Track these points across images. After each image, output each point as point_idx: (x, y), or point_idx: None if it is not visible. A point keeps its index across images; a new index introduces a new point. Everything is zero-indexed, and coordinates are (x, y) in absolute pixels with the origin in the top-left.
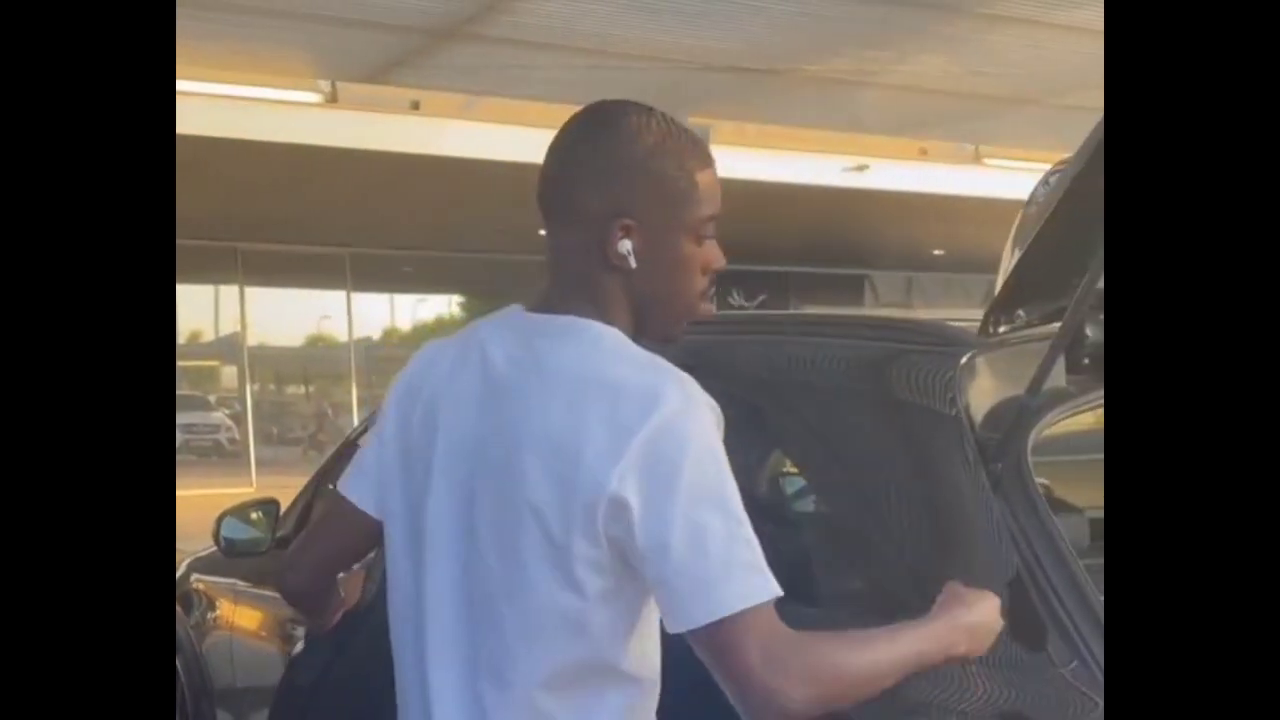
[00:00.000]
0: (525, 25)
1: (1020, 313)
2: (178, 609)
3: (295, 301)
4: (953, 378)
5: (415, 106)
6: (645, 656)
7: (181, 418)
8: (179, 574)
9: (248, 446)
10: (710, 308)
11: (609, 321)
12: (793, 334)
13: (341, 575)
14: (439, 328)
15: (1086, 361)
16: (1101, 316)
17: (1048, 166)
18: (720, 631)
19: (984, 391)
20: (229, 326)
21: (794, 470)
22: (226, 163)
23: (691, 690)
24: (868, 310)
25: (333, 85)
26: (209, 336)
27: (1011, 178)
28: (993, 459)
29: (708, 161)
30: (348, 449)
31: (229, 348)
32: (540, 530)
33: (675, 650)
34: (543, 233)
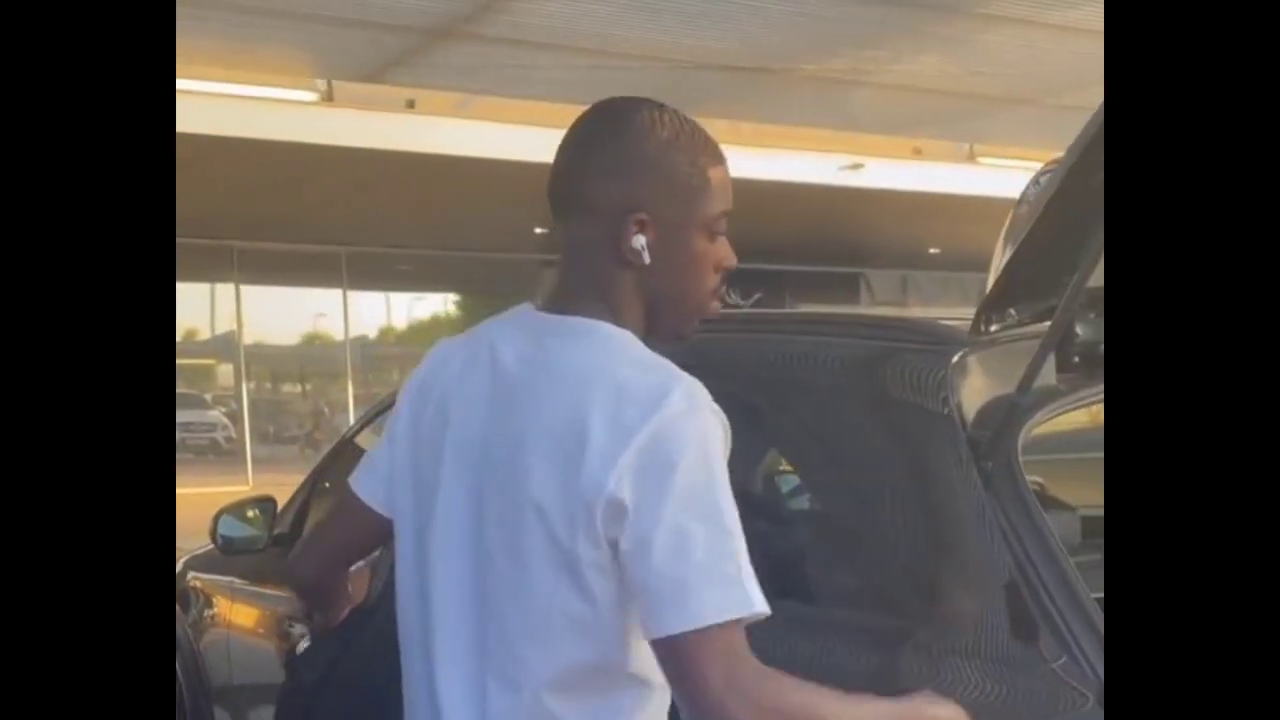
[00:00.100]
0: (522, 25)
1: (1012, 311)
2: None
3: (291, 300)
4: (945, 376)
5: (410, 105)
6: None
7: (178, 416)
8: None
9: (244, 444)
10: (719, 307)
11: (620, 320)
12: (786, 332)
13: (352, 570)
14: (435, 326)
15: (1077, 360)
16: (1091, 315)
17: (1042, 165)
18: (689, 643)
19: (975, 390)
20: (225, 325)
21: (789, 469)
22: (222, 161)
23: None
24: (864, 309)
25: (329, 84)
26: (205, 335)
27: (1006, 176)
28: (984, 456)
29: (720, 158)
30: (344, 446)
31: (225, 346)
32: (545, 531)
33: None
34: (539, 231)
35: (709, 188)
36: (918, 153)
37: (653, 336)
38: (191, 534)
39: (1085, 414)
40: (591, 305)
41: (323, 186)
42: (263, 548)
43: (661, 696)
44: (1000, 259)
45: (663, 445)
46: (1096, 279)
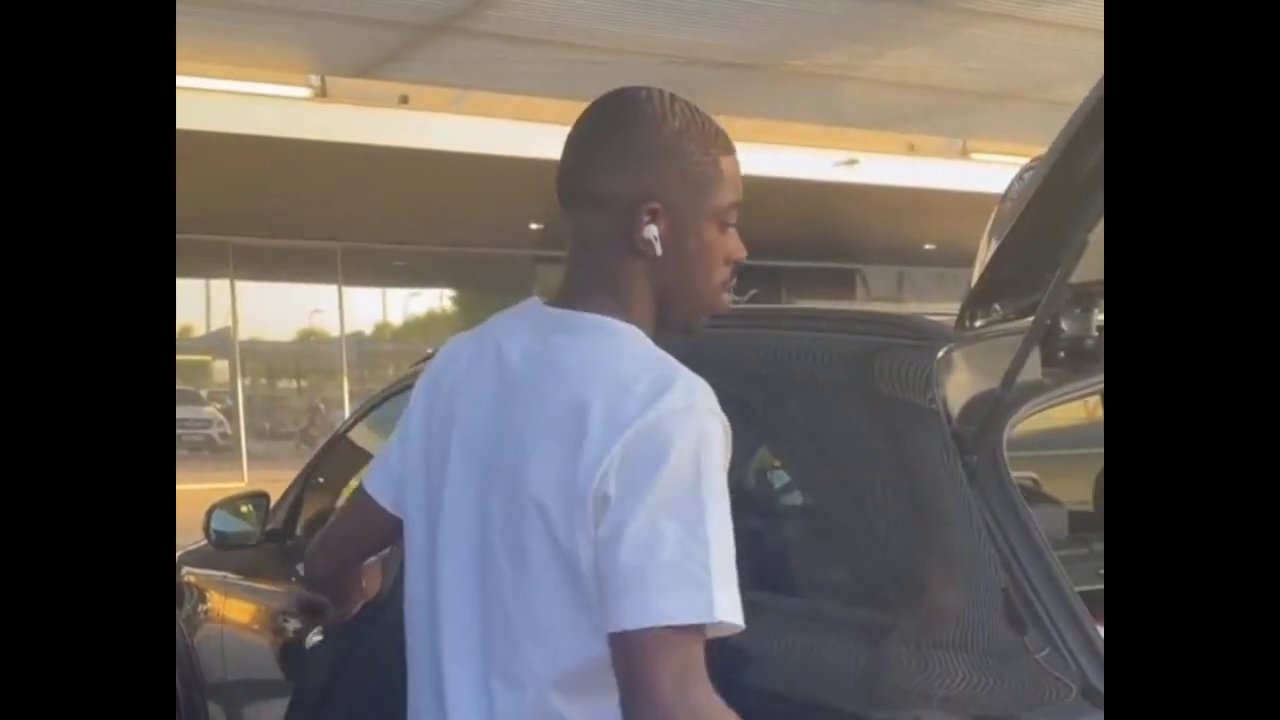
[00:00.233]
0: (514, 20)
1: (996, 307)
2: None
3: (287, 296)
4: (930, 371)
5: (404, 101)
6: None
7: None
8: None
9: (239, 441)
10: (730, 301)
11: (630, 313)
12: (775, 328)
13: (366, 564)
14: (431, 322)
15: (1062, 355)
16: (1076, 310)
17: (1026, 161)
18: (643, 642)
19: (960, 385)
20: (220, 321)
21: (779, 465)
22: (216, 157)
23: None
24: (859, 304)
25: (322, 79)
26: (200, 331)
27: (999, 172)
28: (969, 451)
29: (730, 148)
30: (337, 442)
31: (220, 342)
32: (545, 531)
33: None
34: (534, 226)
35: (721, 178)
36: (911, 148)
37: (662, 329)
38: (186, 530)
39: (1075, 409)
40: (601, 299)
41: (317, 182)
42: (256, 543)
43: None
44: (985, 254)
45: (652, 438)
46: (1080, 274)
